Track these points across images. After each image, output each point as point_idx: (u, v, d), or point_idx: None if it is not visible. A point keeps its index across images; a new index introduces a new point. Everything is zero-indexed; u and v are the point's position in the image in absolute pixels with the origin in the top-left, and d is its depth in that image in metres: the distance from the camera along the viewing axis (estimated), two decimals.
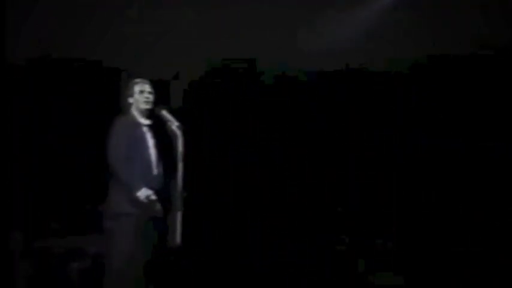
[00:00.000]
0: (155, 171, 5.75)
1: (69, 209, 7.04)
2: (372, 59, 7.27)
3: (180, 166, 5.62)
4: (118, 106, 5.87)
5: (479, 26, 6.99)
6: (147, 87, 5.83)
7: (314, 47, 7.30)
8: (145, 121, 5.81)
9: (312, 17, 7.28)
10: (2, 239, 6.65)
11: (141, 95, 5.79)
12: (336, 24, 7.32)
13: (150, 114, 5.83)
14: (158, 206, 5.68)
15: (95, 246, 6.50)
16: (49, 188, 7.11)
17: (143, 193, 5.57)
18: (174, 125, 5.71)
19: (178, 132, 5.67)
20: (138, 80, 5.87)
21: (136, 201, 5.56)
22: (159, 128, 5.82)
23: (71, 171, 7.19)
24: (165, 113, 5.78)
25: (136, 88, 5.81)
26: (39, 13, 6.95)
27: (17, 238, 6.70)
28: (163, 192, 5.73)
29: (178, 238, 5.61)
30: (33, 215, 6.90)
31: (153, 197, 5.63)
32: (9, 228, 6.72)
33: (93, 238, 6.44)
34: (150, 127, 5.83)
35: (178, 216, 5.64)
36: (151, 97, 5.82)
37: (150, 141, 5.79)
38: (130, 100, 5.81)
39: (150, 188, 5.61)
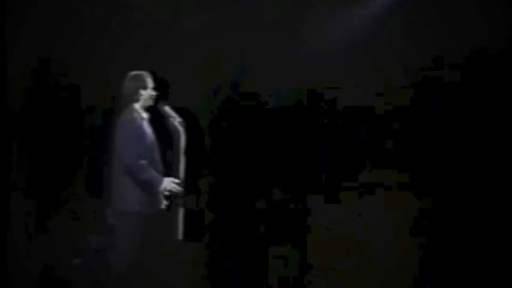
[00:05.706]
0: (159, 166, 5.63)
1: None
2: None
3: (182, 162, 5.59)
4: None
5: (479, 26, 7.02)
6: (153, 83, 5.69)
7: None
8: (146, 115, 5.66)
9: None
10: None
11: (152, 91, 5.62)
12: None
13: (149, 107, 5.69)
14: (162, 203, 5.62)
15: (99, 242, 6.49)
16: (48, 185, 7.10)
17: (166, 183, 5.50)
18: (176, 121, 5.67)
19: (181, 128, 5.64)
20: (146, 73, 5.66)
21: (142, 200, 5.47)
22: (158, 122, 5.75)
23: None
24: (167, 108, 5.70)
25: (149, 83, 5.63)
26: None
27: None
28: None
29: (180, 234, 5.59)
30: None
31: (178, 187, 5.55)
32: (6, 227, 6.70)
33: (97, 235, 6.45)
34: (150, 121, 5.69)
35: (180, 212, 5.62)
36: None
37: (153, 136, 5.67)
38: (143, 92, 5.60)
39: None
